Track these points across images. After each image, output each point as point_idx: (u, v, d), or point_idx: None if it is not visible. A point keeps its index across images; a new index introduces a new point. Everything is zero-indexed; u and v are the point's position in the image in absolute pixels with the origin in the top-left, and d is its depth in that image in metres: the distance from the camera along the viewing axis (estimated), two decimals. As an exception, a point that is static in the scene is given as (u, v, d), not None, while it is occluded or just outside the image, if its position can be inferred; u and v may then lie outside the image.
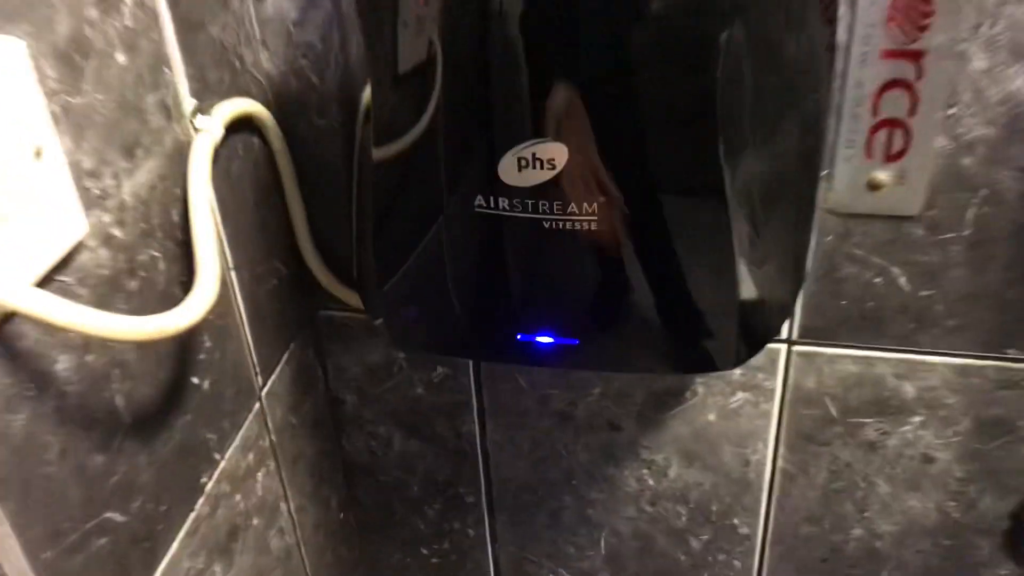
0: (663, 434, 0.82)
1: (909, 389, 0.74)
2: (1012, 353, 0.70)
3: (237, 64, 0.65)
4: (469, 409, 0.85)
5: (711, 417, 0.80)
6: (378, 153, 0.54)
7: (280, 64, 0.68)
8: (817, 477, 0.81)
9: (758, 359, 0.75)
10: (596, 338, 0.57)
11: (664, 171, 0.50)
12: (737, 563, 0.88)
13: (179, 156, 0.58)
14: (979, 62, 0.59)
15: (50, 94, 0.46)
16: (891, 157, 0.63)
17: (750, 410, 0.79)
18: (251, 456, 0.72)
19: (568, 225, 0.50)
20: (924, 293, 0.69)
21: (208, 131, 0.59)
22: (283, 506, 0.79)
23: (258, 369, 0.72)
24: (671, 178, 0.50)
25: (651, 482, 0.85)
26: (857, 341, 0.73)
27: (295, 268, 0.76)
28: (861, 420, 0.77)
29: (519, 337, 0.57)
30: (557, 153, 0.48)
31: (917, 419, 0.76)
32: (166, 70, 0.56)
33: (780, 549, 0.86)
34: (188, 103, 0.59)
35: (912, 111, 0.61)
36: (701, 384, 0.78)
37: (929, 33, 0.58)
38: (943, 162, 0.63)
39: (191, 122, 0.59)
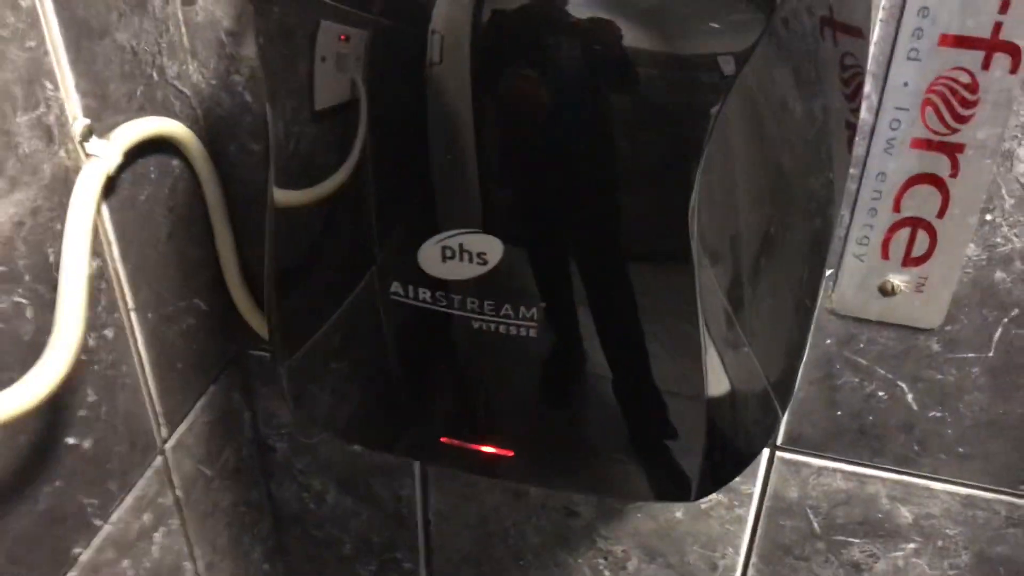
0: (624, 525, 0.72)
1: (905, 514, 0.65)
2: (1028, 491, 0.61)
3: (155, 76, 0.55)
4: (410, 473, 0.75)
5: (678, 514, 0.70)
6: (280, 196, 0.45)
7: (210, 78, 0.58)
8: (791, 593, 0.71)
9: (735, 461, 0.66)
10: (536, 452, 0.48)
11: (620, 283, 0.40)
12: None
13: (63, 186, 0.49)
14: (1027, 164, 0.49)
15: None
16: (911, 261, 0.54)
17: (723, 512, 0.69)
18: (146, 516, 0.63)
19: (501, 328, 0.41)
20: (934, 414, 0.59)
21: (100, 156, 0.50)
22: (188, 565, 0.70)
23: (161, 420, 0.63)
24: (628, 291, 0.40)
25: (607, 573, 0.76)
26: (851, 456, 0.63)
27: (219, 304, 0.67)
28: (847, 539, 0.67)
29: (442, 440, 0.47)
30: (490, 247, 0.38)
31: (911, 546, 0.66)
32: (47, 84, 0.47)
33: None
34: (78, 124, 0.49)
35: (941, 212, 0.51)
36: (669, 479, 0.68)
37: (971, 125, 0.48)
38: (972, 273, 0.53)
39: (80, 147, 0.49)
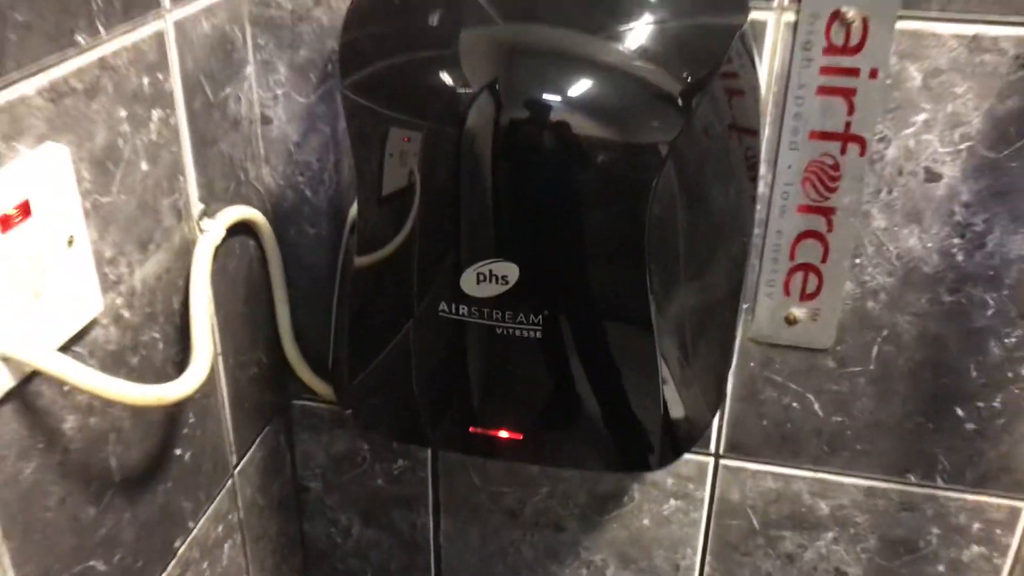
0: (602, 536, 0.89)
1: (823, 506, 0.82)
2: (912, 479, 0.79)
3: (242, 176, 0.74)
4: (425, 502, 0.91)
5: (646, 522, 0.87)
6: (360, 261, 0.63)
7: (279, 179, 0.77)
8: (740, 586, 0.87)
9: (688, 470, 0.83)
10: (539, 434, 0.65)
11: (598, 297, 0.59)
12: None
13: (184, 252, 0.67)
14: (879, 221, 0.69)
15: (85, 193, 0.55)
16: (806, 296, 0.73)
17: (681, 517, 0.86)
18: (220, 528, 0.78)
19: (516, 332, 0.59)
20: (836, 419, 0.78)
21: (211, 232, 0.68)
22: (244, 580, 0.85)
23: (234, 448, 0.79)
24: (604, 303, 0.59)
25: (589, 582, 0.92)
26: (777, 459, 0.81)
27: (275, 359, 0.84)
28: (781, 533, 0.84)
29: (471, 429, 0.65)
30: (510, 271, 0.57)
31: (830, 535, 0.83)
32: (180, 178, 0.65)
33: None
34: (196, 207, 0.68)
35: (824, 258, 0.71)
36: (638, 490, 0.85)
37: (837, 194, 0.69)
38: (851, 304, 0.73)
39: (198, 224, 0.68)
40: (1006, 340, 0.71)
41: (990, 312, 0.71)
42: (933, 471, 0.78)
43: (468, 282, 0.58)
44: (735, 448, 0.81)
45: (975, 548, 0.81)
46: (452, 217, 0.58)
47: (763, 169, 0.70)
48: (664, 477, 0.84)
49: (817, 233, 0.70)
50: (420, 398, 0.65)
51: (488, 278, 0.58)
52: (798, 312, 0.73)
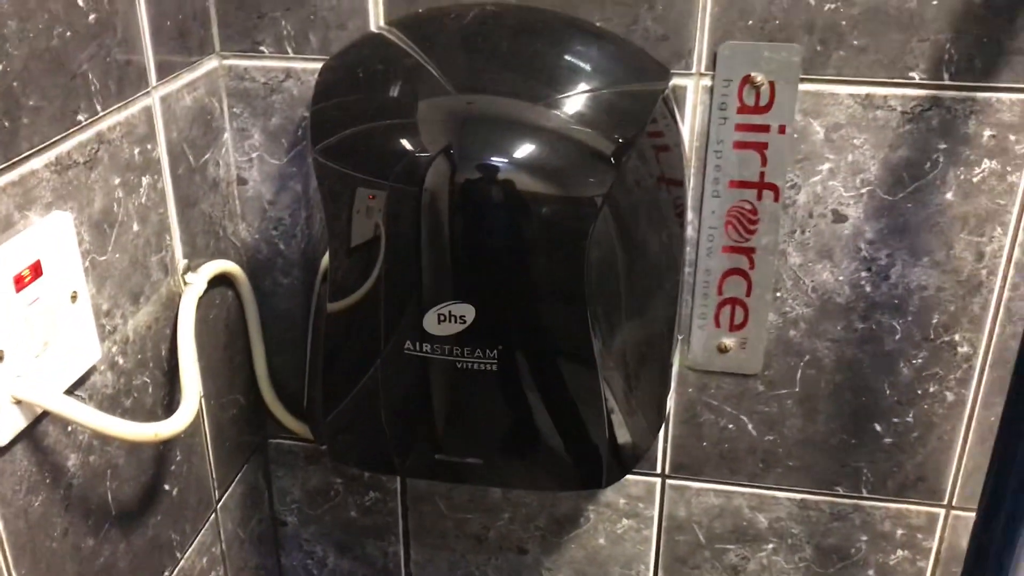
0: (562, 556, 0.95)
1: (762, 519, 0.89)
2: (840, 490, 0.87)
3: (220, 232, 0.81)
4: (395, 530, 0.98)
5: (601, 541, 0.94)
6: (332, 306, 0.70)
7: (255, 233, 0.85)
8: (690, 597, 0.94)
9: (638, 490, 0.90)
10: (498, 458, 0.72)
11: (546, 333, 0.67)
12: None
13: (171, 303, 0.74)
14: (795, 258, 0.78)
15: (84, 253, 0.62)
16: (734, 327, 0.81)
17: (633, 535, 0.93)
18: (204, 560, 0.84)
19: (474, 366, 0.66)
20: (768, 438, 0.86)
21: (195, 285, 0.75)
22: (226, 610, 0.90)
23: (216, 484, 0.85)
24: (551, 339, 0.67)
25: (551, 601, 0.98)
26: (717, 477, 0.88)
27: (253, 400, 0.90)
28: (725, 546, 0.92)
29: (435, 456, 0.72)
30: (467, 311, 0.65)
31: (770, 546, 0.91)
32: (167, 236, 0.72)
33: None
34: (181, 262, 0.75)
35: (748, 293, 0.80)
36: (593, 511, 0.93)
37: (756, 235, 0.77)
38: (775, 333, 0.81)
39: (182, 277, 0.75)
40: (914, 361, 0.80)
41: (898, 336, 0.79)
42: (858, 483, 0.86)
43: (430, 322, 0.66)
44: (680, 468, 0.89)
45: (900, 552, 0.88)
46: (414, 265, 0.65)
47: (690, 215, 0.78)
48: (616, 498, 0.91)
49: (741, 270, 0.79)
50: (389, 429, 0.72)
51: (448, 318, 0.65)
52: (728, 341, 0.82)
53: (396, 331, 0.67)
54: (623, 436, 0.72)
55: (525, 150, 0.64)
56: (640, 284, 0.72)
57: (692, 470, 0.89)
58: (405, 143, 0.65)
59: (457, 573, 0.99)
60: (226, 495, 0.87)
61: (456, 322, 0.65)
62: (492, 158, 0.64)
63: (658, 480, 0.90)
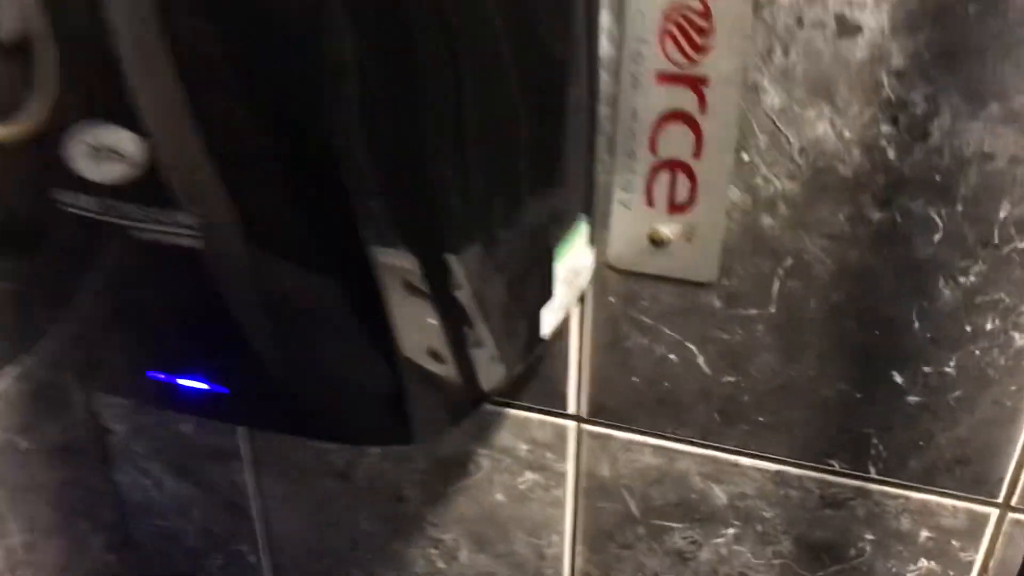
0: (450, 510, 0.70)
1: (719, 494, 0.61)
2: (836, 465, 0.57)
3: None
4: (239, 457, 0.73)
5: (499, 497, 0.67)
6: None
7: None
8: (622, 585, 0.68)
9: (544, 435, 0.63)
10: (247, 390, 0.46)
11: (283, 184, 0.38)
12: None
13: None
14: (773, 97, 0.47)
15: None
16: (676, 208, 0.51)
17: (541, 494, 0.66)
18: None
19: (162, 238, 0.39)
20: (727, 379, 0.57)
21: None
22: (-2, 541, 0.68)
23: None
24: (288, 204, 0.39)
25: (441, 564, 0.73)
26: (655, 428, 0.60)
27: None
28: (667, 524, 0.64)
29: (147, 374, 0.46)
30: (128, 143, 0.37)
31: (730, 531, 0.63)
32: None
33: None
34: None
35: (697, 152, 0.49)
36: (486, 456, 0.66)
37: (710, 56, 0.47)
38: (739, 219, 0.51)
39: None
40: (961, 278, 0.49)
41: (938, 236, 0.48)
42: (864, 457, 0.57)
43: (83, 158, 0.38)
44: (600, 411, 0.61)
45: (924, 563, 0.59)
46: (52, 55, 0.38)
47: (606, 17, 0.48)
48: (515, 442, 0.64)
49: (686, 115, 0.49)
50: (69, 332, 0.46)
51: (106, 153, 0.38)
52: (666, 229, 0.52)
53: (38, 171, 0.40)
54: (445, 369, 0.44)
55: None
56: (485, 126, 0.43)
57: (618, 415, 0.61)
58: None
59: (324, 516, 0.74)
60: None
61: (118, 160, 0.38)
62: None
63: (572, 424, 0.62)
